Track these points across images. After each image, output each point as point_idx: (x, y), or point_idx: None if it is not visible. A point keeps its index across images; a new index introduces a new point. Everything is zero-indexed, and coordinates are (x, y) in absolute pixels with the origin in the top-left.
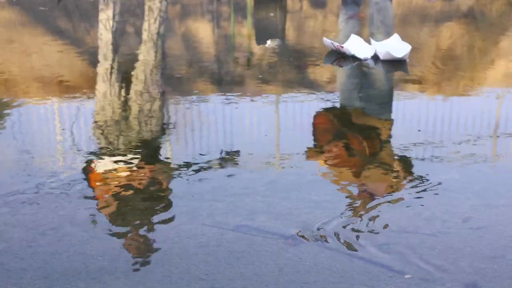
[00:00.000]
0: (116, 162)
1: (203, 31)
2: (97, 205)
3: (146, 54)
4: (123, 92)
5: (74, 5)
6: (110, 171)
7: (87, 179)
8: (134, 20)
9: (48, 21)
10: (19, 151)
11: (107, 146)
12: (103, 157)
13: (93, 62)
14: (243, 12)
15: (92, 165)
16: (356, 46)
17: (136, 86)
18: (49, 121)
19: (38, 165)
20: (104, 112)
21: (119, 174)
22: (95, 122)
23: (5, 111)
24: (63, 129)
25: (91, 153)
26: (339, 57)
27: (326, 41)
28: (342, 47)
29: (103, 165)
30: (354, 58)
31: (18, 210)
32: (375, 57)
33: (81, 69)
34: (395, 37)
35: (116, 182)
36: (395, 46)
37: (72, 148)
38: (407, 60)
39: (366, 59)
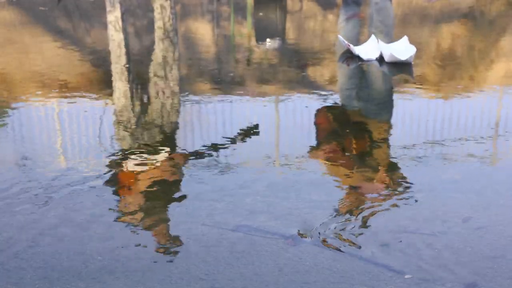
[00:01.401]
0: (115, 162)
1: (203, 31)
2: (97, 205)
3: (164, 52)
4: (141, 91)
5: (74, 5)
6: (109, 171)
7: (86, 178)
8: (135, 20)
9: (48, 21)
10: (19, 151)
11: (108, 146)
12: (103, 157)
13: (94, 62)
14: (243, 12)
15: (93, 165)
16: (363, 47)
17: (156, 83)
18: (50, 121)
19: (39, 165)
20: (122, 112)
21: (118, 174)
22: (117, 121)
23: (6, 111)
24: (65, 129)
25: (92, 153)
26: (349, 56)
27: (340, 38)
28: (349, 46)
29: (103, 165)
30: (359, 58)
31: (18, 210)
32: (381, 59)
33: (81, 69)
34: (404, 39)
35: (115, 182)
36: (400, 48)
37: (73, 148)
38: (412, 62)
39: (369, 60)
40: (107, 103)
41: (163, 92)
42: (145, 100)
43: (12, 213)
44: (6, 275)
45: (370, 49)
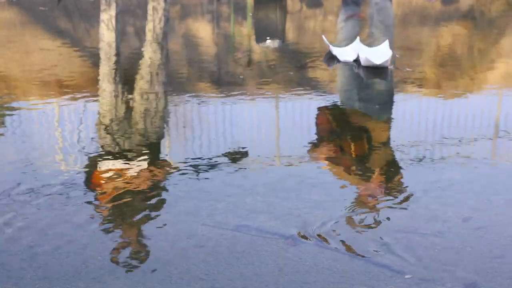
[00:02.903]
0: (116, 162)
1: (203, 31)
2: (97, 205)
3: (152, 54)
4: (127, 93)
5: (74, 5)
6: (110, 171)
7: (87, 179)
8: (134, 20)
9: (48, 21)
10: (19, 151)
11: (109, 146)
12: (104, 157)
13: (93, 62)
14: (243, 12)
15: (93, 165)
16: (342, 48)
17: (142, 86)
18: (50, 121)
19: (39, 165)
20: (109, 112)
21: (120, 174)
22: (100, 122)
23: (5, 111)
24: (64, 130)
25: (92, 153)
26: (331, 56)
27: (323, 38)
28: (329, 46)
29: (104, 165)
30: (337, 59)
31: (18, 210)
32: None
33: (81, 69)
34: (385, 44)
35: (116, 182)
36: (378, 53)
37: (73, 148)
38: (390, 67)
39: (346, 62)
40: (102, 104)
41: (147, 95)
42: (134, 101)
43: (13, 213)
44: (6, 275)
45: (348, 51)
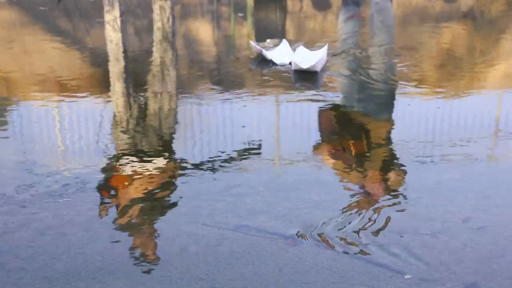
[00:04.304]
0: (116, 162)
1: (203, 31)
2: (97, 205)
3: (162, 53)
4: (135, 92)
5: (74, 5)
6: (110, 171)
7: (87, 179)
8: (135, 20)
9: (48, 21)
10: (20, 151)
11: (109, 146)
12: (104, 157)
13: (94, 62)
14: (243, 12)
15: (94, 165)
16: (276, 52)
17: (152, 85)
18: (50, 121)
19: (39, 165)
20: (116, 113)
21: (119, 174)
22: (104, 122)
23: (6, 111)
24: (64, 130)
25: (93, 153)
26: (264, 59)
27: (251, 43)
28: (262, 50)
29: (104, 165)
30: (272, 62)
31: (18, 210)
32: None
33: (81, 69)
34: (325, 48)
35: (116, 182)
36: (307, 57)
37: (74, 148)
38: (318, 71)
39: (283, 64)
40: (106, 104)
41: (161, 94)
42: (143, 101)
43: (12, 213)
44: (6, 275)
45: (283, 54)
